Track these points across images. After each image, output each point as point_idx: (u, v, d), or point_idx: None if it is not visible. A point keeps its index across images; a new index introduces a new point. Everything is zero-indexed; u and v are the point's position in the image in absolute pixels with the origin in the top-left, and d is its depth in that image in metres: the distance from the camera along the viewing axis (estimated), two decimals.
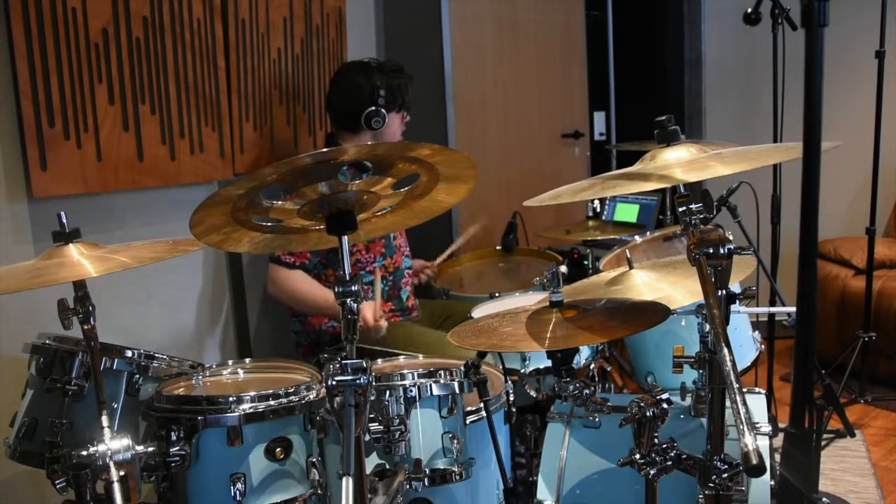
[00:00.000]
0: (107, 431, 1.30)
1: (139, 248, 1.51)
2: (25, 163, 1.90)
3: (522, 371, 2.10)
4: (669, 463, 1.20)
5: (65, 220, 1.45)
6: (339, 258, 1.24)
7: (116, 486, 1.25)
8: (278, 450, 1.51)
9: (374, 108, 2.35)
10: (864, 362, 3.21)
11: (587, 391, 1.49)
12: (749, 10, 2.40)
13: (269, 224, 1.31)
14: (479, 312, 2.23)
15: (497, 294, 2.48)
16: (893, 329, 3.26)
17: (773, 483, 1.57)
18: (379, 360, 1.85)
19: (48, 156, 1.91)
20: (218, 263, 2.52)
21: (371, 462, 1.48)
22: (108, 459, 1.27)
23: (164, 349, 1.72)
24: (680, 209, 1.21)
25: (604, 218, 3.15)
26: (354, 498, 1.03)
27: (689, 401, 1.70)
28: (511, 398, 1.72)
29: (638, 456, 1.21)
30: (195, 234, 1.23)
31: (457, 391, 1.54)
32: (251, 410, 1.50)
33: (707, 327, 1.27)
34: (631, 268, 1.80)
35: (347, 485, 1.01)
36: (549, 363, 2.04)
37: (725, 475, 1.14)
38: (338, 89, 2.43)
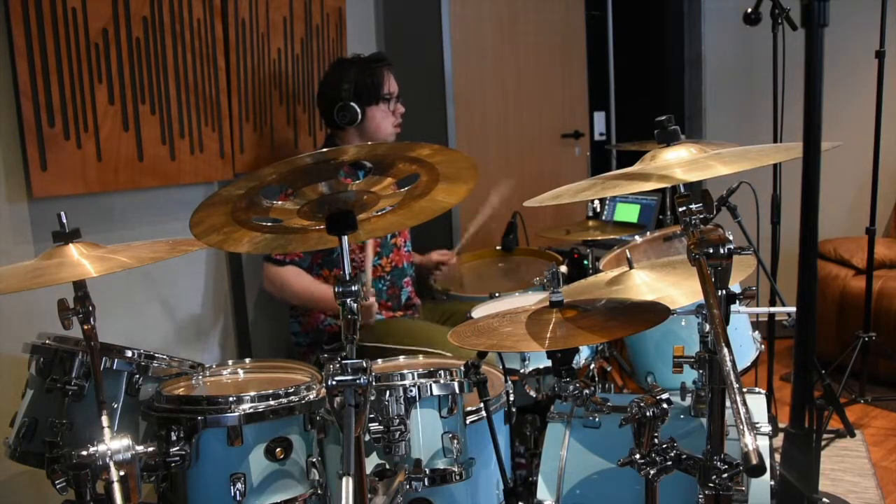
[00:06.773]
0: (107, 431, 1.30)
1: (139, 248, 1.51)
2: (25, 163, 1.90)
3: (522, 371, 2.10)
4: (669, 463, 1.20)
5: (65, 220, 1.45)
6: (334, 257, 1.24)
7: (116, 486, 1.25)
8: (278, 450, 1.51)
9: (342, 103, 2.36)
10: (864, 362, 3.21)
11: (587, 391, 1.49)
12: (749, 10, 2.40)
13: (269, 224, 1.31)
14: (479, 312, 2.23)
15: (497, 294, 2.48)
16: (893, 329, 3.26)
17: (773, 483, 1.57)
18: (379, 361, 1.85)
19: (48, 156, 1.91)
20: (218, 263, 2.52)
21: (371, 462, 1.48)
22: (108, 459, 1.27)
23: (164, 349, 1.72)
24: (680, 209, 1.20)
25: (604, 218, 3.15)
26: (354, 498, 1.03)
27: (689, 401, 1.70)
28: (511, 398, 1.72)
29: (638, 456, 1.21)
30: (195, 234, 1.23)
31: (457, 391, 1.54)
32: (251, 410, 1.50)
33: (707, 327, 1.27)
34: (631, 268, 1.80)
35: (347, 485, 1.01)
36: (549, 363, 2.04)
37: (725, 475, 1.14)
38: (320, 89, 2.49)
